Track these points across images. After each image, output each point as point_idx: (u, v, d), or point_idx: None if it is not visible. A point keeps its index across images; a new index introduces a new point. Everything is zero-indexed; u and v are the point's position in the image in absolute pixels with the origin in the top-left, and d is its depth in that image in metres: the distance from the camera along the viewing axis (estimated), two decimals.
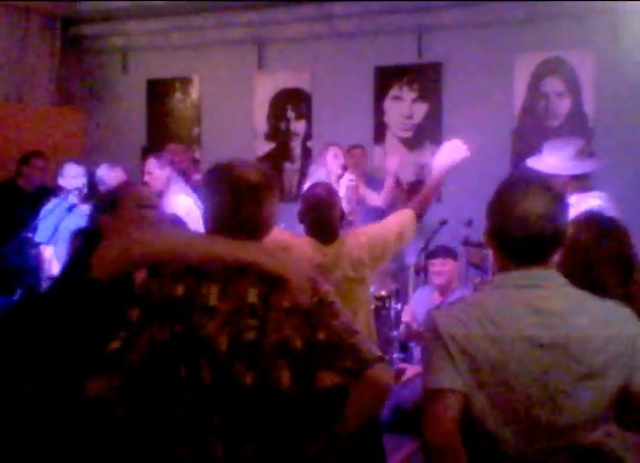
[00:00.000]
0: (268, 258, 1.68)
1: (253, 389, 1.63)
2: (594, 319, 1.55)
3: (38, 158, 5.33)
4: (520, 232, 1.56)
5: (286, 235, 2.97)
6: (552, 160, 3.25)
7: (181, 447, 1.66)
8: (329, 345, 1.68)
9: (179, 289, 1.66)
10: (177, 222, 2.85)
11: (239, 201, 1.69)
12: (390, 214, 3.20)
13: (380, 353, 1.74)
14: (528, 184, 1.61)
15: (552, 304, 1.56)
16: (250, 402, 1.64)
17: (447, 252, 4.59)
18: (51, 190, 4.90)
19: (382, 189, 5.34)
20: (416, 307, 4.66)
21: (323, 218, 2.94)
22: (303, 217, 3.00)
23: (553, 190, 1.61)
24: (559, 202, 1.60)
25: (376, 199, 5.27)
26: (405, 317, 4.61)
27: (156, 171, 4.67)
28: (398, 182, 5.51)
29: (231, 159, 1.77)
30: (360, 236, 3.02)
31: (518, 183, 1.63)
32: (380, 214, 5.46)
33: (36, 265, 4.65)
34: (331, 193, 3.05)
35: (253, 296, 1.65)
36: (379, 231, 3.05)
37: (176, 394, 1.67)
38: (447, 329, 1.57)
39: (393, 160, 5.30)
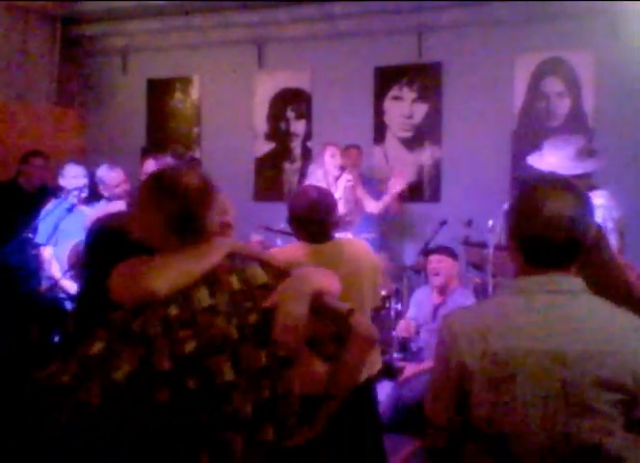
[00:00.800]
0: (237, 244, 1.83)
1: (268, 366, 1.70)
2: (614, 332, 1.52)
3: (37, 157, 5.33)
4: (551, 234, 1.52)
5: (283, 250, 2.93)
6: (553, 159, 3.24)
7: (204, 452, 1.66)
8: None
9: (173, 310, 1.64)
10: None
11: (188, 205, 1.70)
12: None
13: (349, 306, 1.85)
14: (555, 185, 1.57)
15: (575, 312, 1.54)
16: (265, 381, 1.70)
17: (444, 249, 4.58)
18: (51, 190, 4.90)
19: (379, 192, 5.31)
20: (415, 307, 4.66)
21: (311, 231, 2.82)
22: (290, 224, 2.88)
23: (580, 191, 1.57)
24: (587, 203, 1.56)
25: (373, 206, 5.18)
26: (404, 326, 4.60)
27: None
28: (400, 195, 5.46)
29: (171, 166, 1.80)
30: (363, 242, 3.09)
31: (543, 184, 1.59)
32: (375, 222, 5.46)
33: (36, 266, 4.66)
34: (319, 202, 2.80)
35: (236, 283, 1.73)
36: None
37: (196, 400, 1.65)
38: (465, 347, 1.55)
39: (398, 182, 5.23)
